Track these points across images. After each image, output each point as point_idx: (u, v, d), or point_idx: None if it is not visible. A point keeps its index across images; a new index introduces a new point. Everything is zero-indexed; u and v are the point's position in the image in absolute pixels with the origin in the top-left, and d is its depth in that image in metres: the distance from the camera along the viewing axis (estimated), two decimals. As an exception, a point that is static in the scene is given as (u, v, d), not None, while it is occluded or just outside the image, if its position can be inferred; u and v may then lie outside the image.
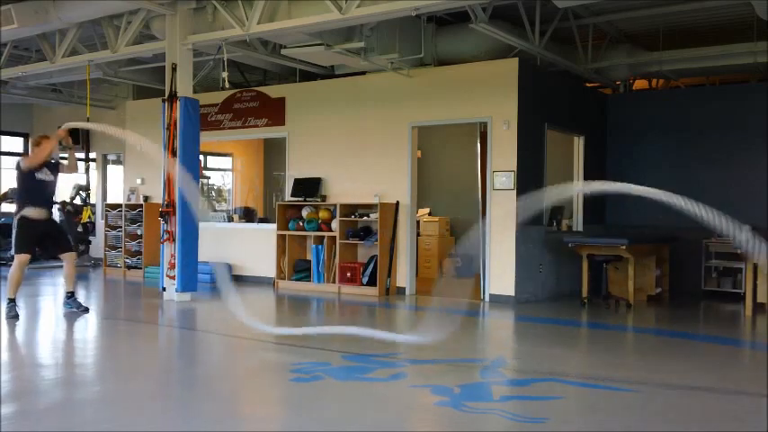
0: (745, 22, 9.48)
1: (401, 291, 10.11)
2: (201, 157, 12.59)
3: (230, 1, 8.72)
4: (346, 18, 7.82)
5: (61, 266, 7.94)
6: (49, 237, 7.69)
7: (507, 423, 4.08)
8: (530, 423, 4.07)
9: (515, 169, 9.25)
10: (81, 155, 14.61)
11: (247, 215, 12.18)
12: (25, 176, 7.51)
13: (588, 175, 10.90)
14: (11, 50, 11.17)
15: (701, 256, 10.51)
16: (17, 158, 7.83)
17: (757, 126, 10.32)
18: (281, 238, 10.84)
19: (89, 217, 13.21)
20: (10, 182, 15.24)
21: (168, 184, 9.09)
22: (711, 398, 4.63)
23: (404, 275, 10.13)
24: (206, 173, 14.31)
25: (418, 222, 11.80)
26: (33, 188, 7.52)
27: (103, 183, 15.37)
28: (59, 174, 7.82)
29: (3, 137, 15.61)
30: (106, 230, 13.00)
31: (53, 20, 9.30)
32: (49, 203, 7.78)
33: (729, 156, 10.63)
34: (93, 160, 15.13)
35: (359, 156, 10.57)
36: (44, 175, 7.57)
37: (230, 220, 12.16)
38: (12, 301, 7.40)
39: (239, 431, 4.01)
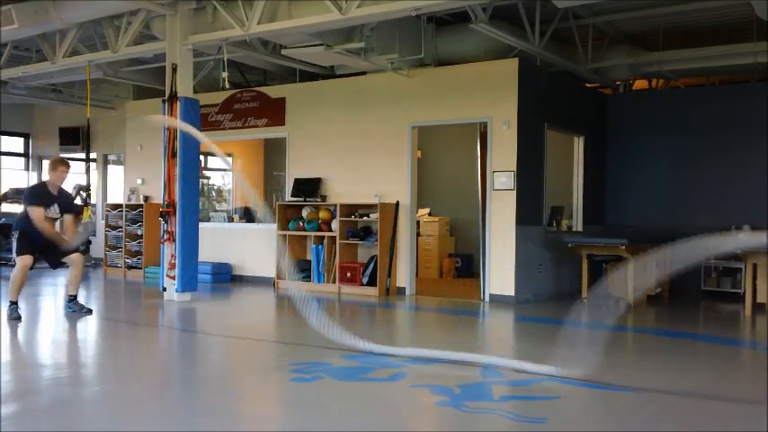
0: (745, 22, 9.48)
1: (401, 291, 10.12)
2: (201, 157, 12.59)
3: (230, 1, 8.73)
4: (346, 18, 7.83)
5: (66, 266, 7.86)
6: (51, 245, 7.57)
7: (507, 423, 4.09)
8: (530, 423, 4.07)
9: (515, 169, 9.26)
10: (81, 155, 14.64)
11: (247, 215, 12.19)
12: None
13: (588, 175, 10.92)
14: (11, 51, 11.17)
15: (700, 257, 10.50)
16: (28, 194, 7.67)
17: (757, 126, 10.33)
18: (281, 238, 10.84)
19: (89, 217, 13.21)
20: (10, 182, 15.29)
21: (169, 184, 9.09)
22: (711, 398, 4.63)
23: (404, 275, 10.13)
24: (206, 173, 14.32)
25: (418, 222, 11.81)
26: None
27: (104, 183, 15.38)
28: (65, 216, 7.61)
29: (3, 137, 15.62)
30: (106, 231, 13.01)
31: (53, 20, 9.31)
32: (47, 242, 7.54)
33: (729, 156, 10.64)
34: (94, 160, 15.13)
35: (359, 156, 10.58)
36: (52, 212, 7.45)
37: (230, 220, 12.17)
38: (13, 304, 7.36)
39: (239, 431, 4.01)
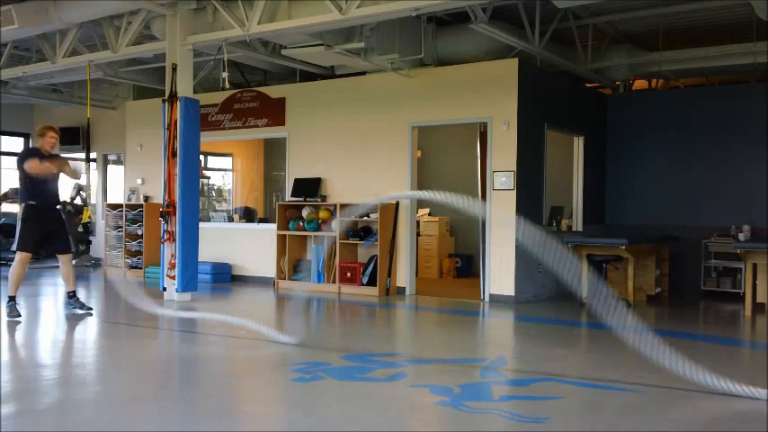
0: (744, 22, 9.49)
1: (401, 291, 10.12)
2: (202, 157, 12.59)
3: (230, 1, 8.73)
4: (346, 18, 7.83)
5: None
6: (53, 235, 7.59)
7: (507, 423, 4.09)
8: (530, 423, 4.08)
9: (515, 169, 9.26)
10: (81, 155, 14.64)
11: (247, 215, 12.19)
12: (27, 174, 7.45)
13: (588, 175, 10.92)
14: (11, 51, 11.18)
15: (700, 256, 10.52)
16: (21, 154, 7.73)
17: (757, 126, 10.33)
18: (281, 238, 10.85)
19: (89, 217, 13.22)
20: (10, 182, 15.27)
21: (169, 184, 9.09)
22: (711, 398, 4.63)
23: (404, 275, 10.14)
24: (206, 173, 14.32)
25: (418, 222, 11.81)
26: (36, 185, 7.41)
27: (104, 183, 15.39)
28: (62, 173, 7.63)
29: (3, 137, 15.63)
30: (107, 230, 13.02)
31: (53, 20, 9.31)
32: (51, 200, 7.63)
33: (729, 156, 10.64)
34: (94, 160, 15.14)
35: (359, 156, 10.58)
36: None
37: (230, 220, 12.18)
38: (12, 300, 7.37)
39: (239, 431, 4.01)
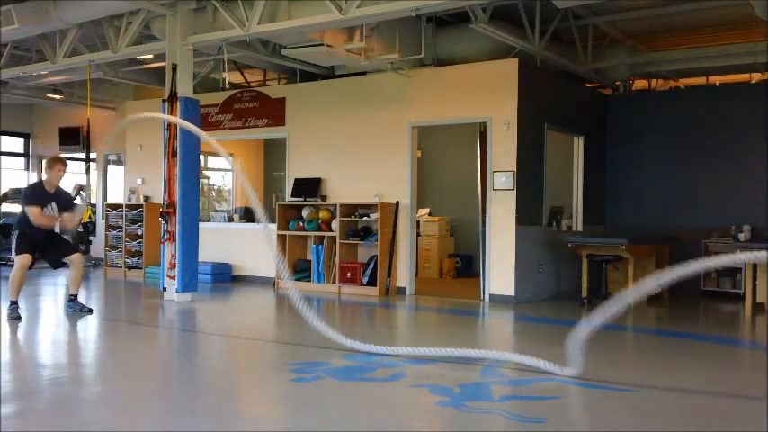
0: (744, 21, 9.49)
1: (401, 291, 10.12)
2: (202, 157, 12.59)
3: (230, 1, 8.73)
4: (346, 18, 7.83)
5: (67, 266, 7.88)
6: (52, 249, 7.63)
7: (507, 423, 4.09)
8: (530, 423, 4.08)
9: (515, 169, 9.26)
10: (81, 155, 14.64)
11: (247, 215, 12.19)
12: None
13: (588, 175, 10.92)
14: (11, 51, 11.17)
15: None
16: (26, 192, 7.86)
17: (757, 126, 10.33)
18: (281, 239, 10.85)
19: (89, 217, 13.21)
20: (10, 182, 15.28)
21: (169, 184, 9.09)
22: (711, 398, 4.63)
23: (404, 275, 10.14)
24: (206, 173, 14.32)
25: (418, 222, 11.81)
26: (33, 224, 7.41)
27: (104, 183, 15.38)
28: (61, 217, 7.60)
29: (3, 137, 15.62)
30: (107, 231, 13.01)
31: (53, 20, 9.30)
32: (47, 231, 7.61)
33: (729, 156, 10.64)
34: (94, 160, 15.13)
35: (359, 156, 10.58)
36: (50, 211, 7.47)
37: (230, 220, 12.17)
38: (13, 303, 7.37)
39: (239, 431, 4.01)
